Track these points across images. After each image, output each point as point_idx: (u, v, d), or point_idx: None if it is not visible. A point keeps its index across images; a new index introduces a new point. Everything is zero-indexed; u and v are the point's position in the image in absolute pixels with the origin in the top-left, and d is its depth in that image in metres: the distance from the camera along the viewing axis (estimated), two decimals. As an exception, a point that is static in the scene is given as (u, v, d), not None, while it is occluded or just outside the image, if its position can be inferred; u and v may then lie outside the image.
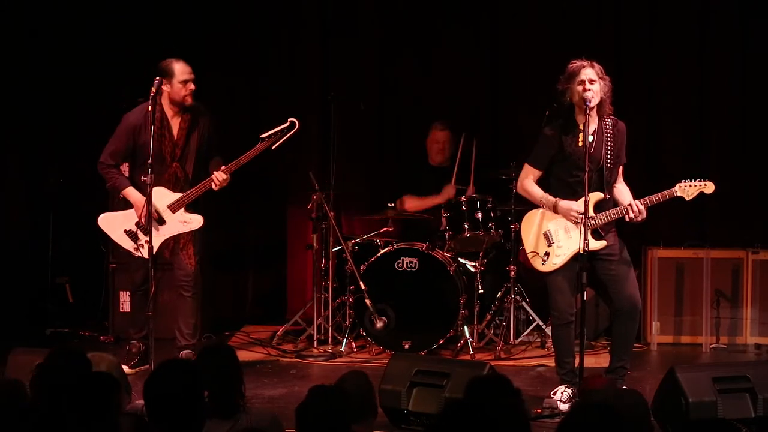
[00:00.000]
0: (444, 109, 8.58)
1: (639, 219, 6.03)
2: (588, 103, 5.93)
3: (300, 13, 8.89)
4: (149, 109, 6.47)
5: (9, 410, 3.59)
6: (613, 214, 6.03)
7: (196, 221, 6.85)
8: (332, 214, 7.68)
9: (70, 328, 8.26)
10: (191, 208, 6.85)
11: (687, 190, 6.01)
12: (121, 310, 8.04)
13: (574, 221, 6.03)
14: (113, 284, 8.11)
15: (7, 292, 8.21)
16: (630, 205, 6.00)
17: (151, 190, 6.30)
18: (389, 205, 7.90)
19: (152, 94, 6.48)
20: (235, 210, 8.87)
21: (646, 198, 6.04)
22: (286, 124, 6.82)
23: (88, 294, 8.67)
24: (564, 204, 6.08)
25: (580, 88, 5.97)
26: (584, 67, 6.00)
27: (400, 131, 8.80)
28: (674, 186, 6.04)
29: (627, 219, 6.03)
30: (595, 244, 6.02)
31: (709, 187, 6.02)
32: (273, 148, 6.86)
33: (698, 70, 8.48)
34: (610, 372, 6.18)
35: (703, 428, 5.31)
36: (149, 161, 6.31)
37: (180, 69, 6.75)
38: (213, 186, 6.80)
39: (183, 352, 6.81)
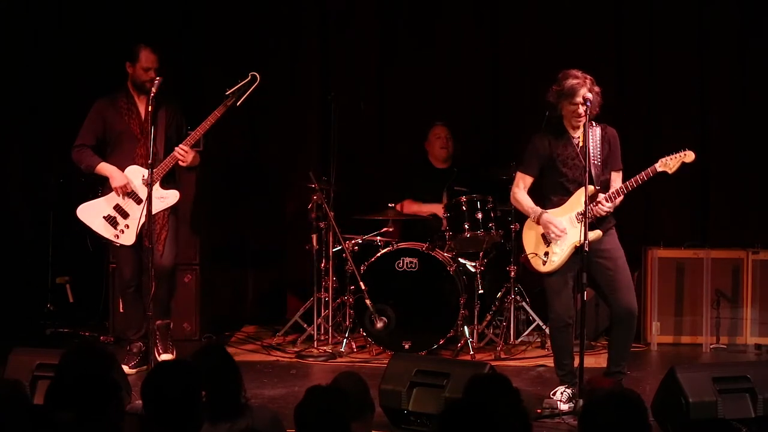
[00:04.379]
0: (444, 109, 8.59)
1: (605, 213, 6.01)
2: (578, 126, 5.99)
3: (300, 13, 8.90)
4: (149, 109, 6.51)
5: (9, 410, 3.58)
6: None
7: (172, 196, 6.90)
8: (332, 214, 7.68)
9: (70, 328, 8.25)
10: (169, 184, 6.89)
11: (668, 163, 5.96)
12: (121, 310, 8.02)
13: (551, 236, 6.04)
14: (113, 284, 8.09)
15: (7, 292, 8.21)
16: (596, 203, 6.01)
17: (150, 189, 6.29)
18: (390, 205, 7.90)
19: (152, 95, 6.49)
20: (235, 210, 8.87)
21: (630, 180, 6.02)
22: (248, 79, 6.91)
23: (88, 294, 8.67)
24: (546, 217, 6.08)
25: (572, 108, 5.98)
26: (580, 86, 5.93)
27: (400, 131, 8.80)
28: (655, 163, 6.00)
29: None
30: (589, 235, 5.98)
31: (689, 156, 5.94)
32: (238, 104, 6.92)
33: (698, 70, 8.48)
34: (608, 376, 6.16)
35: (703, 428, 5.32)
36: (149, 161, 6.33)
37: (145, 56, 6.89)
38: (180, 161, 6.83)
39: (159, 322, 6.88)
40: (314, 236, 7.92)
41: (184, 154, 6.81)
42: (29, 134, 8.72)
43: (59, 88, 8.65)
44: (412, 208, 8.16)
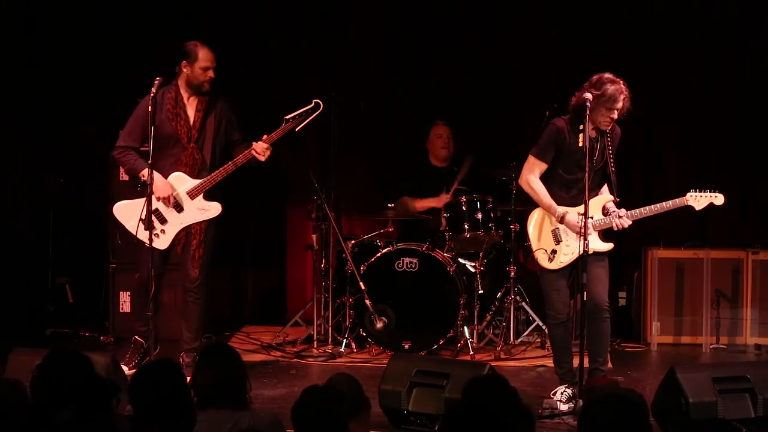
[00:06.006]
0: (444, 109, 8.58)
1: (626, 227, 6.06)
2: (605, 129, 6.00)
3: (300, 13, 8.90)
4: (149, 108, 6.43)
5: (9, 410, 3.58)
6: (607, 222, 6.05)
7: (214, 209, 6.77)
8: (332, 214, 7.68)
9: (70, 328, 8.25)
10: (213, 197, 6.78)
11: (699, 200, 6.03)
12: (120, 310, 8.03)
13: (577, 234, 6.01)
14: (113, 284, 8.10)
15: (7, 292, 8.21)
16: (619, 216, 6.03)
17: (151, 188, 6.29)
18: (389, 205, 7.89)
19: (152, 95, 6.45)
20: (235, 210, 8.85)
21: (657, 205, 6.03)
22: (311, 105, 6.77)
23: (88, 294, 8.67)
24: (570, 218, 6.02)
25: (608, 114, 5.94)
26: (619, 93, 5.92)
27: (400, 131, 8.80)
28: (685, 195, 6.03)
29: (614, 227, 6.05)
30: (603, 246, 6.04)
31: (719, 199, 6.05)
32: (297, 129, 6.79)
33: (698, 70, 8.49)
34: (589, 374, 6.09)
35: (703, 428, 5.32)
36: (149, 161, 6.31)
37: (203, 55, 6.70)
38: (258, 157, 6.69)
39: (183, 354, 6.80)
40: (315, 236, 7.92)
41: (261, 151, 6.68)
42: (29, 134, 8.72)
43: (59, 88, 8.65)
44: (409, 204, 8.12)
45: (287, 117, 6.78)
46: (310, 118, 6.79)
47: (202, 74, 6.71)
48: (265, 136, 6.74)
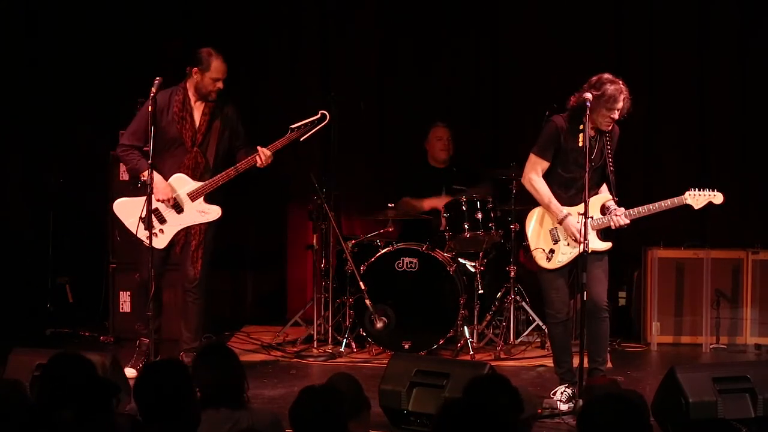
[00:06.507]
0: (444, 109, 8.59)
1: (624, 226, 6.05)
2: (605, 129, 5.99)
3: (300, 13, 8.91)
4: (150, 108, 6.43)
5: (9, 410, 3.58)
6: (606, 221, 6.06)
7: (214, 212, 6.78)
8: (332, 214, 7.68)
9: (70, 328, 8.25)
10: (213, 200, 6.78)
11: (697, 198, 6.02)
12: (120, 310, 8.04)
13: (573, 239, 6.00)
14: (113, 284, 8.10)
15: (7, 292, 8.21)
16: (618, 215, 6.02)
17: (151, 189, 6.29)
18: (390, 205, 7.88)
19: (152, 95, 6.45)
20: (235, 210, 8.85)
21: (655, 204, 6.02)
22: (317, 116, 6.77)
23: (88, 294, 8.67)
24: (571, 221, 6.01)
25: (608, 113, 5.93)
26: (619, 92, 5.91)
27: (400, 131, 8.80)
28: (683, 194, 6.02)
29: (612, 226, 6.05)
30: (602, 245, 6.04)
31: (718, 198, 6.04)
32: (302, 139, 6.80)
33: (698, 70, 8.49)
34: (589, 374, 6.08)
35: (703, 428, 5.32)
36: (149, 161, 6.31)
37: (216, 66, 6.69)
38: (258, 163, 6.69)
39: (183, 354, 6.80)
40: (315, 237, 7.92)
41: (264, 158, 6.68)
42: (29, 134, 8.72)
43: (59, 88, 8.65)
44: (410, 204, 8.12)
45: (293, 126, 6.79)
46: (316, 128, 6.80)
47: (212, 84, 6.71)
48: (269, 145, 6.75)
